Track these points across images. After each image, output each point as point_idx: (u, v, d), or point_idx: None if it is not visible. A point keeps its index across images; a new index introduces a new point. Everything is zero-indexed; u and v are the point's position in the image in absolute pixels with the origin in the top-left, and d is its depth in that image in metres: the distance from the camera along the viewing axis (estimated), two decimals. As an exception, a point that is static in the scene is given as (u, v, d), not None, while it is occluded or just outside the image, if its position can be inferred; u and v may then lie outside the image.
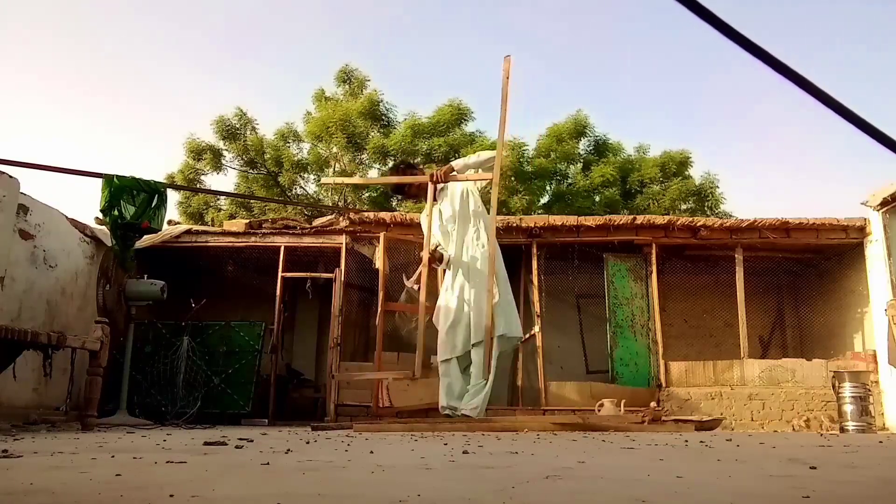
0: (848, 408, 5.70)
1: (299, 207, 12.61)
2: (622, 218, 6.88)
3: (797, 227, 6.68)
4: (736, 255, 6.72)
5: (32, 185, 15.29)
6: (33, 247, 5.70)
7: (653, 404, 5.59)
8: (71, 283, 6.19)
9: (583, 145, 13.43)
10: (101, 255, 6.22)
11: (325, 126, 12.53)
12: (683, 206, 12.31)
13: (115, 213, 5.78)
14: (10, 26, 23.65)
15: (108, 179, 5.85)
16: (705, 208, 12.48)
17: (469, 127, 12.90)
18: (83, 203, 31.15)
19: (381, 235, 6.39)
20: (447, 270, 5.14)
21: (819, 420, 6.04)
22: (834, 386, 5.91)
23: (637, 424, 4.24)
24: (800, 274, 7.67)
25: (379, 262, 6.24)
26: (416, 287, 5.51)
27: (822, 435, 4.69)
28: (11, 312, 5.38)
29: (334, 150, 12.87)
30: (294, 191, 13.61)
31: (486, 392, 4.71)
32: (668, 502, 1.19)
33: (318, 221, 7.15)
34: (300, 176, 13.55)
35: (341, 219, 7.02)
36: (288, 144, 13.75)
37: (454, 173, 5.03)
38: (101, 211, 5.89)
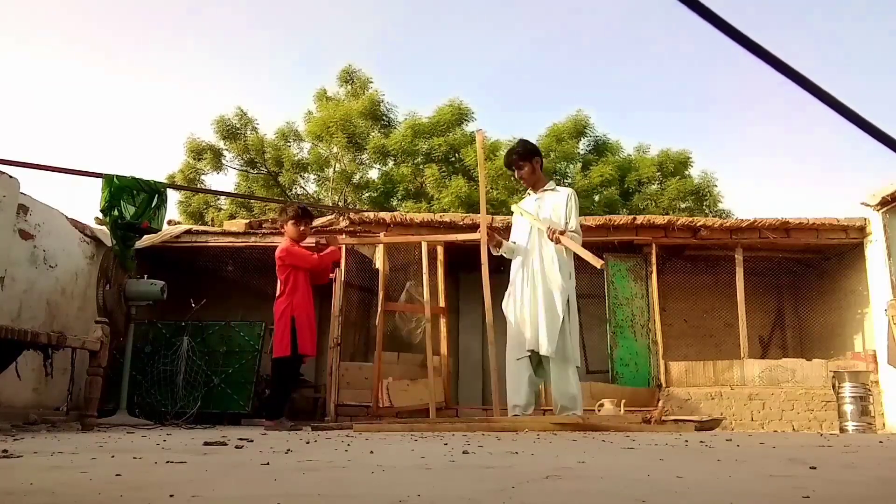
0: (848, 408, 5.71)
1: (299, 207, 12.61)
2: (622, 218, 6.88)
3: (797, 227, 6.68)
4: (736, 255, 6.73)
5: (32, 185, 15.30)
6: (33, 247, 5.70)
7: (661, 406, 5.59)
8: (71, 283, 6.19)
9: (582, 145, 13.43)
10: (101, 255, 6.22)
11: (326, 126, 12.54)
12: (682, 206, 12.32)
13: (115, 213, 5.78)
14: (11, 26, 23.66)
15: (108, 179, 5.85)
16: (703, 207, 12.49)
17: (469, 127, 12.92)
18: (83, 203, 31.15)
19: (382, 235, 6.40)
20: (514, 261, 4.81)
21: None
22: (834, 386, 5.92)
23: (637, 424, 4.24)
24: (800, 274, 7.67)
25: (379, 262, 6.24)
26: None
27: (821, 435, 4.69)
28: (11, 312, 5.38)
29: (335, 149, 12.88)
30: (294, 191, 13.62)
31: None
32: (668, 502, 1.19)
33: (318, 221, 7.15)
34: (300, 176, 13.57)
35: (341, 219, 7.02)
36: (288, 144, 13.77)
37: (569, 235, 4.62)
38: (101, 211, 5.89)
